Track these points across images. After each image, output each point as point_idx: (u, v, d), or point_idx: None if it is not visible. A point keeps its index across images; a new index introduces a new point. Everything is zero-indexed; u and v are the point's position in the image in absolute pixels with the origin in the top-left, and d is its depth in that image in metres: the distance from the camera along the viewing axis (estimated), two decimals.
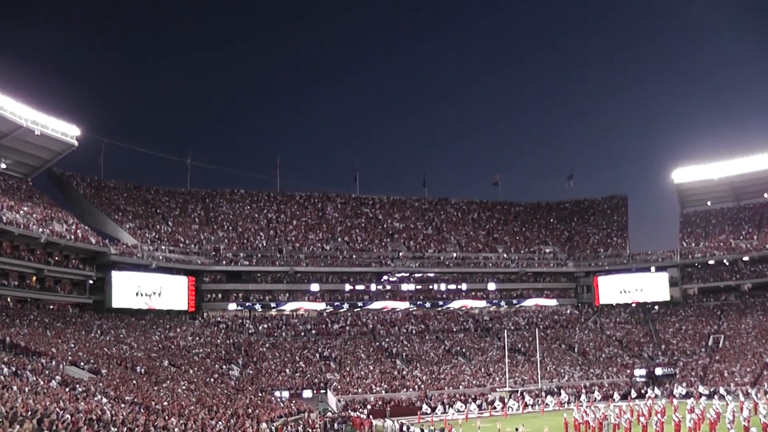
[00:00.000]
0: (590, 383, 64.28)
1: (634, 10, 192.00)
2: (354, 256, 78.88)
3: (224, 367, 57.56)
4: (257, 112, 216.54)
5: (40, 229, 55.40)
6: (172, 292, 67.22)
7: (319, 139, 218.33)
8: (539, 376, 62.62)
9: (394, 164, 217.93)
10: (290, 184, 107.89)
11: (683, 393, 59.35)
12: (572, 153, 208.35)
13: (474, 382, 62.83)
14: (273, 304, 73.62)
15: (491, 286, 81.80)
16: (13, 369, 32.66)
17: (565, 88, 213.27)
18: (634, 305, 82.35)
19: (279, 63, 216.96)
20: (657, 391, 60.75)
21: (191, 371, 52.01)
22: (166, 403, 36.05)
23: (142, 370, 46.97)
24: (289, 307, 74.36)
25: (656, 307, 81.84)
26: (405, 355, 68.27)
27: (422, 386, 60.55)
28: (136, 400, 34.77)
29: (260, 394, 50.58)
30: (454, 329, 76.22)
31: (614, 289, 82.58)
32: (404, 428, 42.56)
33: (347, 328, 73.17)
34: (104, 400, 31.18)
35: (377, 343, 70.68)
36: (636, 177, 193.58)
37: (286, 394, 54.74)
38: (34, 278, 57.35)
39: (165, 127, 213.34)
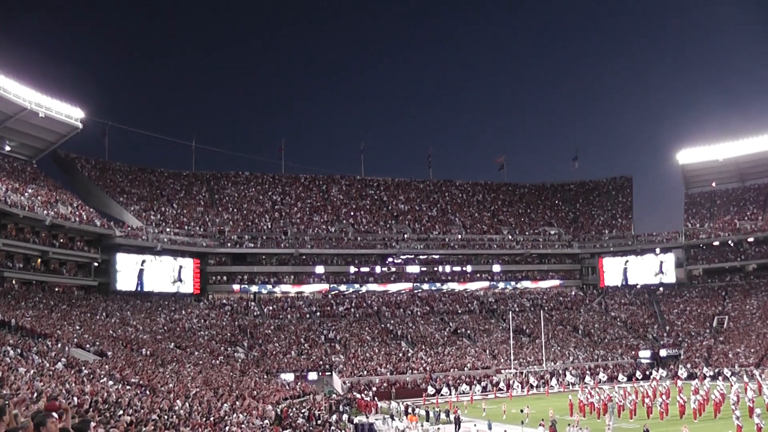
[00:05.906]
0: (595, 365, 64.43)
1: None
2: (359, 238, 78.80)
3: (229, 349, 57.75)
4: (262, 95, 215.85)
5: (45, 212, 55.38)
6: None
7: (323, 121, 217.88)
8: (544, 358, 62.72)
9: (398, 146, 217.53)
10: (295, 166, 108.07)
11: (688, 374, 59.45)
12: (577, 134, 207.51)
13: (479, 363, 63.00)
14: (278, 287, 73.79)
15: (496, 267, 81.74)
16: (19, 351, 32.70)
17: (571, 70, 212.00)
18: (638, 286, 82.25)
19: (283, 46, 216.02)
20: (662, 372, 60.85)
21: (196, 353, 52.21)
22: (171, 385, 36.17)
23: (148, 353, 47.14)
24: (294, 289, 74.50)
25: (661, 289, 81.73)
26: (410, 336, 68.38)
27: (427, 368, 60.72)
28: (141, 382, 34.86)
29: (265, 376, 50.77)
30: (459, 311, 76.22)
31: (619, 270, 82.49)
32: (409, 410, 42.72)
33: (352, 309, 73.24)
34: (110, 382, 31.23)
35: (382, 325, 70.78)
36: (641, 158, 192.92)
37: (291, 376, 54.95)
38: (39, 260, 57.42)
39: (170, 110, 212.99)
